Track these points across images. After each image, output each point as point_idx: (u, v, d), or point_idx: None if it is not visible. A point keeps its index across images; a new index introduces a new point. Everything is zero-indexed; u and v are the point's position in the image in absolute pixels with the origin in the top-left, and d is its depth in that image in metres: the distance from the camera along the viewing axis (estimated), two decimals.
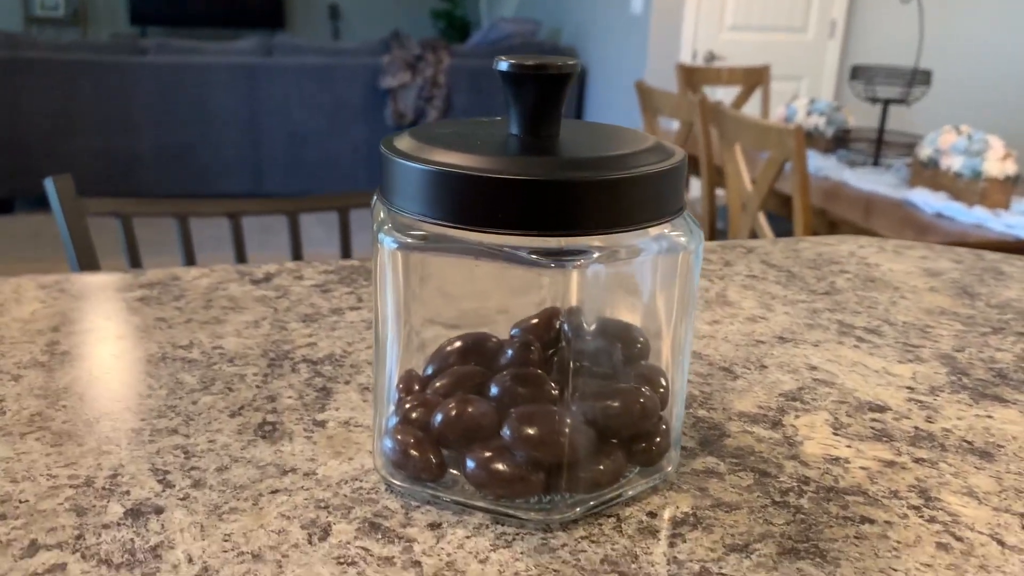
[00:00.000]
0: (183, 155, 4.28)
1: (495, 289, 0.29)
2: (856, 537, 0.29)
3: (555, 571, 0.27)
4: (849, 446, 0.35)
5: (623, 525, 0.29)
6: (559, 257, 0.26)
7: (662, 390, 0.31)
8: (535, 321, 0.29)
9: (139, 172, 4.20)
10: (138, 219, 0.87)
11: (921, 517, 0.30)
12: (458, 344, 0.30)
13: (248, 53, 4.34)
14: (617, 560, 0.27)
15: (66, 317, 0.45)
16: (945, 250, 0.62)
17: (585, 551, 0.28)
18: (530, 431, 0.27)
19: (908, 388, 0.40)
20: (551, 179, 0.24)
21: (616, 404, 0.29)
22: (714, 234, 2.74)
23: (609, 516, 0.30)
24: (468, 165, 0.24)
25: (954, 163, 2.18)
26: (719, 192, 2.67)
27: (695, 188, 3.13)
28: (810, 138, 2.82)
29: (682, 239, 0.28)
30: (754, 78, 3.44)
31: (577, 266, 0.26)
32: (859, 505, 0.31)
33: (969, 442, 0.36)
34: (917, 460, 0.34)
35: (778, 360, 0.43)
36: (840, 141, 2.78)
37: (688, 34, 4.11)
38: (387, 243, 0.26)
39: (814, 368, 0.42)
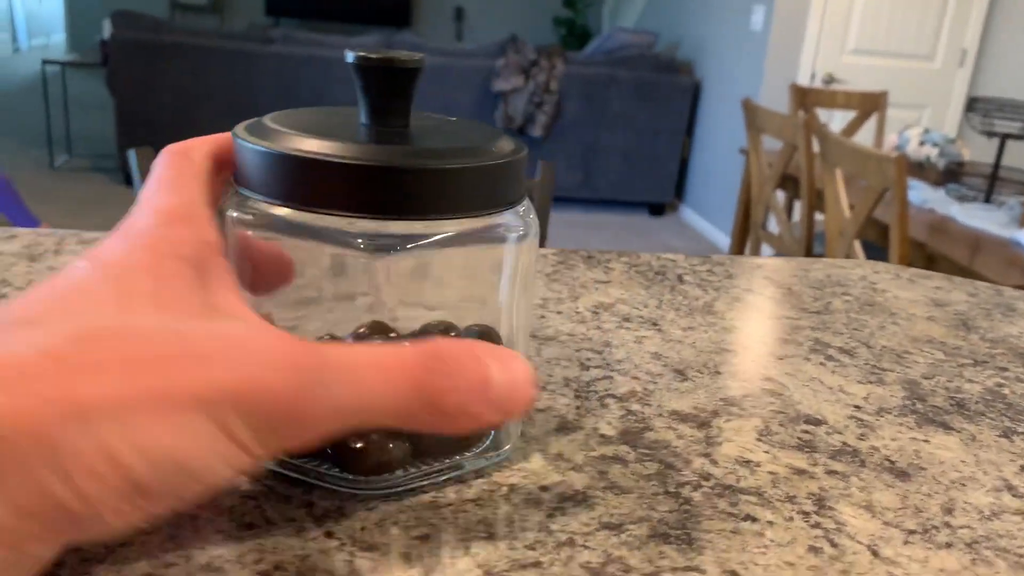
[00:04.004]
0: None
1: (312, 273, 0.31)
2: (732, 531, 0.31)
3: (432, 525, 0.29)
4: (767, 452, 0.36)
5: (512, 494, 0.32)
6: (376, 240, 0.27)
7: None
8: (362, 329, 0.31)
9: None
10: None
11: (806, 522, 0.32)
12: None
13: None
14: (493, 522, 0.30)
15: None
16: (965, 282, 0.61)
17: (466, 511, 0.30)
18: None
19: (855, 407, 0.41)
20: (382, 165, 0.26)
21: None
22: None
23: (504, 485, 0.32)
24: (306, 149, 0.26)
25: None
26: (819, 216, 2.62)
27: (796, 211, 3.07)
28: (920, 169, 2.73)
29: (513, 229, 0.30)
30: (870, 104, 3.35)
31: (399, 250, 0.28)
32: (749, 504, 0.32)
33: (892, 462, 0.36)
34: (830, 472, 0.35)
35: (734, 368, 0.44)
36: (952, 174, 2.68)
37: (808, 54, 4.03)
38: (232, 216, 0.29)
39: (768, 379, 0.43)
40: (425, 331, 0.32)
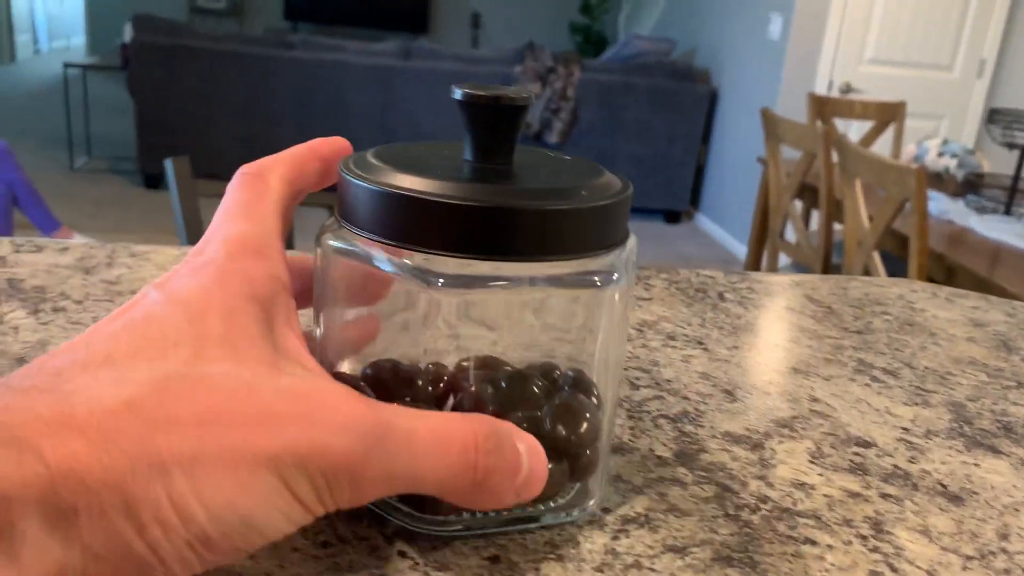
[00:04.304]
0: None
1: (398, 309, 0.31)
2: (793, 555, 0.31)
3: (501, 546, 0.30)
4: (821, 474, 0.37)
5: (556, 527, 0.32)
6: (474, 279, 0.27)
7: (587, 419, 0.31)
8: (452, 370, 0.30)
9: None
10: None
11: (865, 546, 0.32)
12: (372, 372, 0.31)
13: (387, 55, 4.50)
14: (559, 544, 0.30)
15: (145, 283, 0.51)
16: (1002, 302, 0.62)
17: (532, 533, 0.31)
18: None
19: (903, 429, 0.42)
20: (494, 205, 0.26)
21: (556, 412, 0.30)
22: (828, 268, 2.69)
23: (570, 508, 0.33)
24: (416, 188, 0.26)
25: None
26: (837, 226, 2.62)
27: (813, 220, 3.07)
28: (939, 180, 2.72)
29: (611, 272, 0.29)
30: (888, 114, 3.34)
31: (499, 288, 0.27)
32: (808, 528, 0.33)
33: (944, 485, 0.37)
34: (883, 495, 0.36)
35: (782, 389, 0.45)
36: (971, 185, 2.68)
37: (826, 64, 4.03)
38: (329, 245, 0.29)
39: (815, 400, 0.44)
40: (530, 370, 0.31)
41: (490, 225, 0.26)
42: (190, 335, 0.22)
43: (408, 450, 0.23)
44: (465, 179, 0.28)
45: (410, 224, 0.27)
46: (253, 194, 0.29)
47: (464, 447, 0.24)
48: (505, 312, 0.30)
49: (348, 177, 0.28)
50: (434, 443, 0.24)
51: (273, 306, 0.25)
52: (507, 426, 0.26)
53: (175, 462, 0.20)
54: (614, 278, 0.29)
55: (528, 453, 0.26)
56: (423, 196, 0.26)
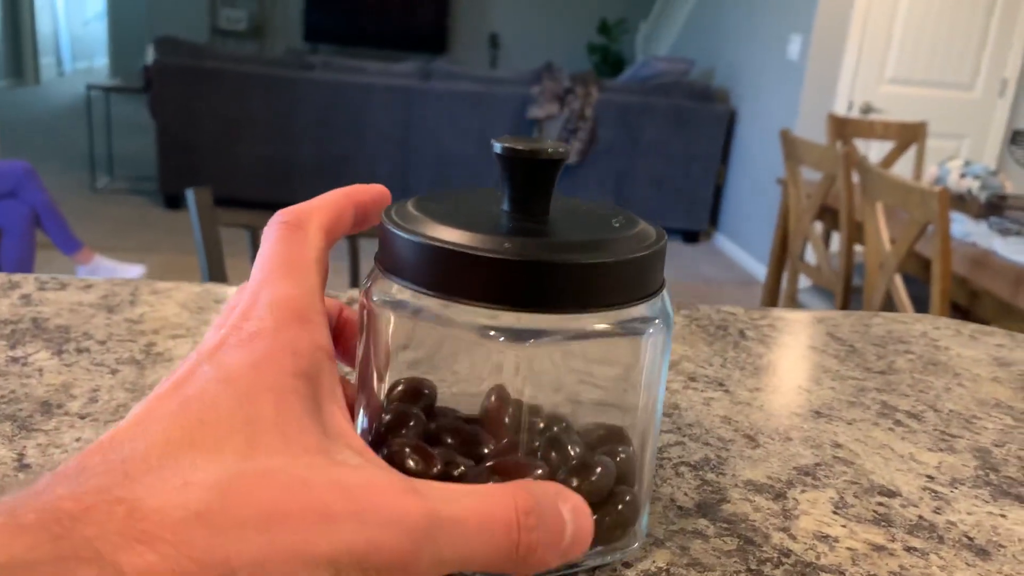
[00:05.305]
0: (337, 167, 4.51)
1: (454, 362, 0.32)
2: None
3: None
4: (844, 526, 0.36)
5: (597, 572, 0.32)
6: (514, 332, 0.28)
7: (621, 456, 0.32)
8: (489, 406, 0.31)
9: (295, 179, 4.46)
10: None
11: None
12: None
13: (407, 76, 4.53)
14: None
15: (167, 321, 0.51)
16: None
17: None
18: None
19: (928, 477, 0.41)
20: (531, 259, 0.27)
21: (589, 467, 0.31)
22: (849, 291, 2.67)
23: (584, 561, 0.32)
24: (455, 241, 0.27)
25: None
26: (858, 248, 2.60)
27: (834, 242, 3.05)
28: (961, 202, 2.70)
29: (651, 322, 0.30)
30: (909, 134, 3.33)
31: (535, 344, 0.28)
32: None
33: (971, 538, 0.36)
34: (908, 548, 0.35)
35: (805, 434, 0.44)
36: (994, 207, 2.65)
37: (845, 84, 4.01)
38: (377, 300, 0.29)
39: (839, 446, 0.43)
40: (571, 426, 0.32)
41: (537, 279, 0.27)
42: (241, 420, 0.23)
43: (455, 538, 0.24)
44: (504, 232, 0.28)
45: (464, 278, 0.27)
46: (294, 247, 0.29)
47: (508, 527, 0.25)
48: (551, 364, 0.30)
49: (412, 238, 0.28)
50: (478, 527, 0.24)
51: (319, 378, 0.26)
52: (550, 491, 0.26)
53: (242, 567, 0.20)
54: (656, 324, 0.30)
55: (573, 513, 0.26)
56: (480, 253, 0.27)
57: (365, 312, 0.30)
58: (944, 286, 2.10)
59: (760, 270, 4.18)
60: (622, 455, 0.32)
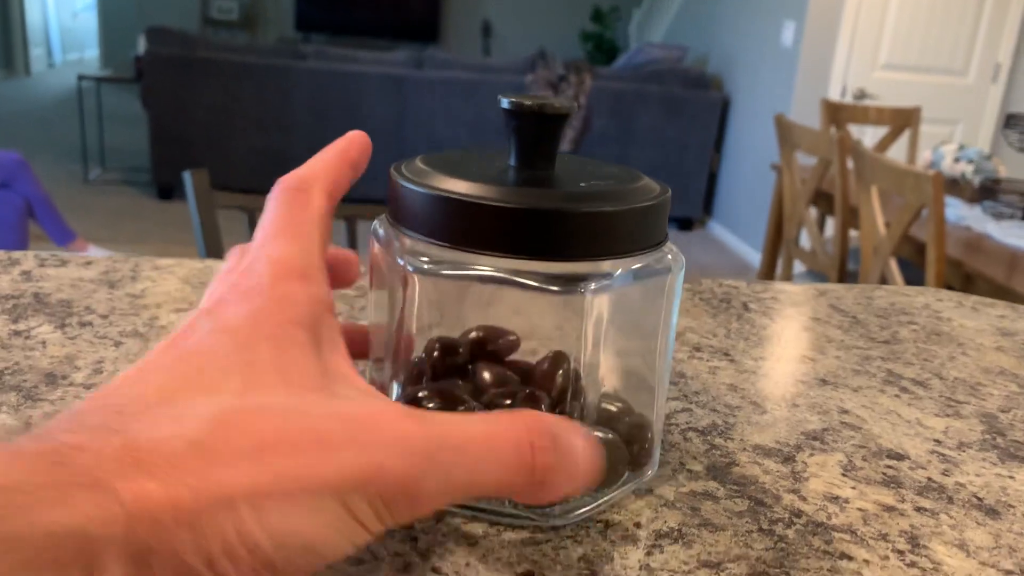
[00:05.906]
0: None
1: (500, 314, 0.32)
2: (829, 570, 0.31)
3: (534, 561, 0.30)
4: (854, 488, 0.36)
5: (609, 531, 0.32)
6: (568, 282, 0.28)
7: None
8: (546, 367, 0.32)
9: (288, 168, 4.38)
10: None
11: (902, 561, 0.32)
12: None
13: (399, 65, 4.51)
14: (593, 560, 0.30)
15: (170, 296, 0.51)
16: None
17: (566, 548, 0.31)
18: None
19: (935, 441, 0.41)
20: (548, 208, 0.27)
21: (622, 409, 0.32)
22: (844, 276, 2.67)
23: (598, 522, 0.32)
24: (474, 193, 0.27)
25: None
26: (853, 233, 2.61)
27: (828, 227, 3.05)
28: (955, 186, 2.71)
29: (670, 263, 0.32)
30: (903, 120, 3.33)
31: (592, 290, 0.29)
32: (843, 542, 0.32)
33: (980, 498, 0.36)
34: (918, 508, 0.35)
35: (812, 401, 0.44)
36: (987, 191, 2.66)
37: (839, 70, 4.01)
38: (409, 267, 0.29)
39: (845, 412, 0.43)
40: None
41: (563, 226, 0.28)
42: (240, 363, 0.23)
43: (462, 460, 0.23)
44: (518, 183, 0.29)
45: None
46: (296, 210, 0.29)
47: (518, 446, 0.24)
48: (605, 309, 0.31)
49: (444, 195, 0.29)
50: (487, 447, 0.24)
51: (318, 328, 0.26)
52: (561, 421, 0.26)
53: (240, 495, 0.20)
54: (677, 264, 0.33)
55: (585, 442, 0.26)
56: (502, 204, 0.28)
57: (400, 277, 0.30)
58: (939, 269, 2.11)
59: (754, 257, 4.18)
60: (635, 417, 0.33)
